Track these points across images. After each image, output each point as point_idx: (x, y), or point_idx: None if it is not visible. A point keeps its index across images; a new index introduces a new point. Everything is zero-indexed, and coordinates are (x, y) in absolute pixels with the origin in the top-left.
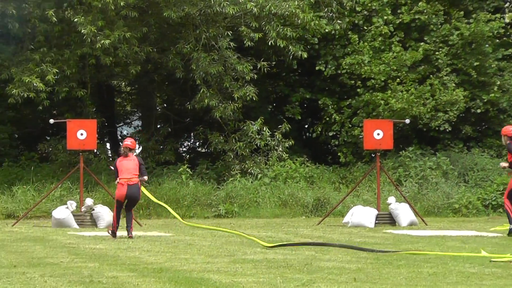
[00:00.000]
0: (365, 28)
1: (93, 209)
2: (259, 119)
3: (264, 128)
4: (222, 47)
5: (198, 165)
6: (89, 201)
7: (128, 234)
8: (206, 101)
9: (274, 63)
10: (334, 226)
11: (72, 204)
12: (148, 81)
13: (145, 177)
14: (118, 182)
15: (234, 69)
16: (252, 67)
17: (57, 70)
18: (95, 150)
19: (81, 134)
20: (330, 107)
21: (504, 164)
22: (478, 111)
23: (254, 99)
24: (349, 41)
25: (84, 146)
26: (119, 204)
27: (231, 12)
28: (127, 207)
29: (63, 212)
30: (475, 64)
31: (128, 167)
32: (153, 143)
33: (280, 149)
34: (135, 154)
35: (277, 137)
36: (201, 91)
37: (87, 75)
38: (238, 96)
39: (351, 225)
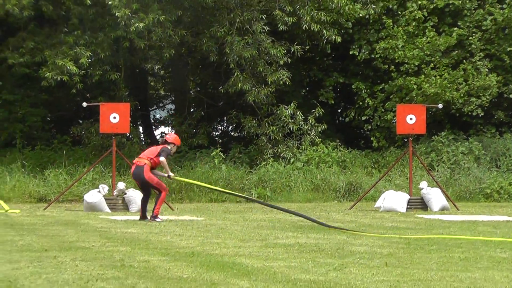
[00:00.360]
0: (399, 12)
1: (125, 193)
2: (292, 103)
3: (297, 112)
4: (256, 31)
5: (231, 149)
6: (121, 185)
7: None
8: (239, 85)
9: (308, 47)
10: (366, 210)
11: (104, 188)
12: (181, 64)
13: (161, 158)
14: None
15: (268, 53)
16: (285, 51)
17: (90, 53)
18: (128, 134)
19: (114, 118)
20: (363, 91)
21: None
22: (511, 96)
23: (288, 83)
24: (383, 25)
25: (117, 129)
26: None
27: None
28: (142, 189)
29: (95, 196)
30: (508, 49)
31: (146, 150)
32: (186, 127)
33: (313, 133)
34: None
35: (310, 121)
36: (234, 75)
37: (121, 59)
38: (271, 80)
39: (383, 210)
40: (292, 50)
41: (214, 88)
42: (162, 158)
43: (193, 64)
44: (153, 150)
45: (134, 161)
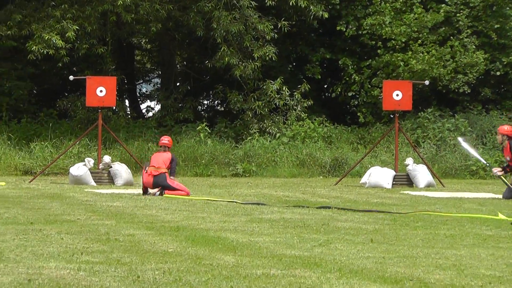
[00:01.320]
0: None
1: (111, 167)
2: (278, 79)
3: (284, 87)
4: (244, 6)
5: (216, 123)
6: (106, 159)
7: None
8: (226, 59)
9: (294, 22)
10: (352, 186)
11: (89, 161)
12: (168, 39)
13: (172, 177)
14: (145, 171)
15: (254, 28)
16: (272, 27)
17: (77, 27)
18: (114, 107)
19: (101, 91)
20: (350, 67)
21: (499, 171)
22: (498, 73)
23: (274, 58)
24: (371, 1)
25: (103, 103)
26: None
27: None
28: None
29: (81, 169)
30: (496, 26)
31: (158, 159)
32: (172, 101)
33: (299, 108)
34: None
35: (296, 96)
36: (221, 50)
37: (108, 32)
38: (258, 56)
39: (368, 186)
40: (279, 26)
41: (200, 63)
42: (173, 177)
43: (179, 39)
44: (164, 157)
45: (147, 171)
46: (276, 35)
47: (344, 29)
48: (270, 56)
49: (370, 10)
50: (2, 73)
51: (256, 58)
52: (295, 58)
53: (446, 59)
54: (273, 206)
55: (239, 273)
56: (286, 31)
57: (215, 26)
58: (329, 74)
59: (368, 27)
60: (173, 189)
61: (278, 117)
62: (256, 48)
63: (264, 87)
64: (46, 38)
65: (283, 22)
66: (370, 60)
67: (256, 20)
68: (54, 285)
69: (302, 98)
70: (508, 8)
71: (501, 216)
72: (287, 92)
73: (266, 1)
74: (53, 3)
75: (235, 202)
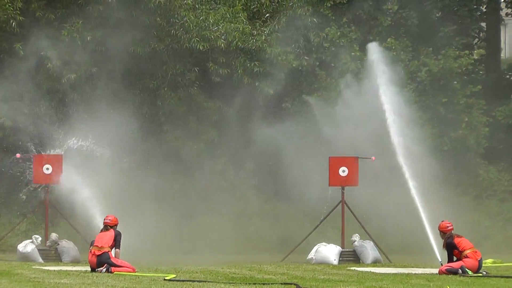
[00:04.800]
0: (333, 64)
1: (58, 244)
2: (224, 158)
3: (229, 167)
4: (189, 84)
5: None
6: (54, 236)
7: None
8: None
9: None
10: (298, 263)
11: (37, 239)
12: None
13: (118, 250)
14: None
15: (200, 108)
16: (217, 107)
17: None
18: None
19: (47, 169)
20: None
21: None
22: (445, 148)
23: (218, 139)
24: (316, 77)
25: (50, 180)
26: None
27: (200, 48)
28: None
29: (28, 246)
30: (443, 100)
31: (102, 238)
32: None
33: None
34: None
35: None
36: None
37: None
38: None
39: (314, 262)
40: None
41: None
42: (119, 251)
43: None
44: (108, 236)
45: (91, 250)
46: (220, 115)
47: (290, 106)
48: (215, 137)
49: (316, 86)
50: None
51: (201, 139)
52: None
53: None
54: (220, 283)
55: None
56: (232, 110)
57: (160, 103)
58: None
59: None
60: (118, 266)
61: (223, 195)
62: (201, 128)
63: (209, 167)
64: None
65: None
66: None
67: (203, 100)
68: None
69: (247, 177)
70: (455, 82)
71: None
72: (232, 171)
73: (212, 78)
74: None
75: (183, 281)
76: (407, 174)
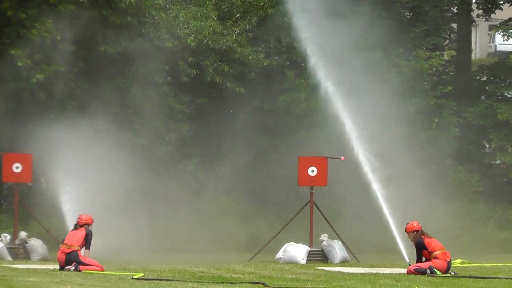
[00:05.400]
0: (303, 65)
1: (27, 242)
2: (194, 159)
3: (200, 168)
4: (158, 83)
5: None
6: (22, 234)
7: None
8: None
9: (207, 99)
10: (266, 262)
11: (6, 237)
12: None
13: (88, 251)
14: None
15: (169, 106)
16: (188, 104)
17: None
18: (30, 184)
19: (17, 167)
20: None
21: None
22: (415, 148)
23: (189, 137)
24: (286, 77)
25: (19, 179)
26: None
27: (169, 46)
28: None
29: None
30: (413, 101)
31: (72, 237)
32: None
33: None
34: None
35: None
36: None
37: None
38: (173, 136)
39: (283, 262)
40: (196, 103)
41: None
42: (88, 251)
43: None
44: (79, 235)
45: (60, 248)
46: (191, 112)
47: (260, 104)
48: (184, 135)
49: (286, 86)
50: None
51: (170, 138)
52: (212, 136)
53: None
54: (187, 281)
55: None
56: (201, 109)
57: (129, 103)
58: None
59: (283, 104)
60: (86, 265)
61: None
62: (170, 127)
63: (180, 167)
64: None
65: (200, 99)
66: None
67: (172, 99)
68: None
69: (218, 181)
70: (425, 83)
71: None
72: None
73: (181, 77)
74: None
75: (151, 279)
76: (371, 175)
